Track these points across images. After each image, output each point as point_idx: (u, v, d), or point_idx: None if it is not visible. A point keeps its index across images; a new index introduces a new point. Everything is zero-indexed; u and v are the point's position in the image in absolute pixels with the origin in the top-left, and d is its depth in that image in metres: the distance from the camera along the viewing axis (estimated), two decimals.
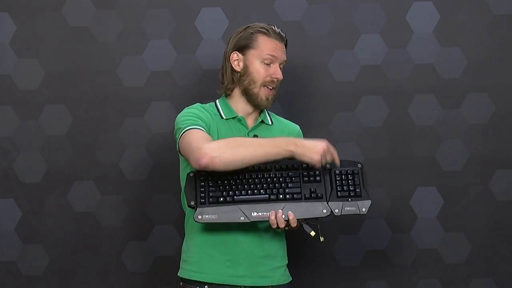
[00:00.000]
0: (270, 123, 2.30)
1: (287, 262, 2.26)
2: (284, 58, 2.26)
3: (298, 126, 2.36)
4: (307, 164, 2.11)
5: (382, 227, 2.68)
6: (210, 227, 2.17)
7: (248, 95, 2.25)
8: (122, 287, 2.66)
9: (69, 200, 2.66)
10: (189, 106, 2.25)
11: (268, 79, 2.23)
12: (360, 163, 2.15)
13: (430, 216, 2.69)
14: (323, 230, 2.12)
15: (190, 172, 2.12)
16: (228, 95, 2.29)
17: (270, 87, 2.24)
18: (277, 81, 2.24)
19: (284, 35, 2.27)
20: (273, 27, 2.26)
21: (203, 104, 2.29)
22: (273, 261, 2.20)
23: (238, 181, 2.10)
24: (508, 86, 2.71)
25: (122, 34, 2.69)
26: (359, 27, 2.70)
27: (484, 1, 2.71)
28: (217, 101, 2.30)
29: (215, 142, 2.08)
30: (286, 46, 2.28)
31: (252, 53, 2.24)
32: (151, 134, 2.67)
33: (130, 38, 2.68)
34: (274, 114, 2.37)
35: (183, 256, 2.24)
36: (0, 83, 2.67)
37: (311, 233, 2.09)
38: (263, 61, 2.23)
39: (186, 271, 2.21)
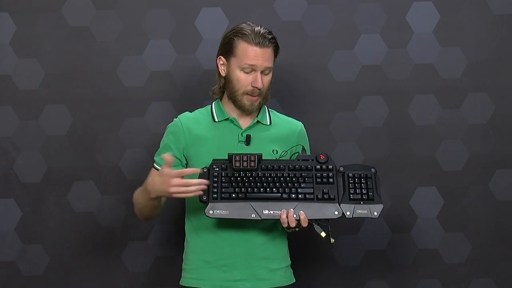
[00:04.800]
0: (268, 123, 2.26)
1: (290, 263, 2.26)
2: (267, 64, 2.16)
3: (301, 123, 2.32)
4: (321, 166, 2.12)
5: (382, 227, 2.68)
6: (205, 230, 2.17)
7: (233, 101, 2.21)
8: (122, 287, 2.66)
9: (69, 200, 2.66)
10: (171, 125, 2.25)
11: (249, 88, 2.16)
12: (374, 168, 2.15)
13: (430, 216, 2.68)
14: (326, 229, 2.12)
15: (204, 167, 2.12)
16: (221, 97, 2.27)
17: (252, 95, 2.17)
18: (261, 89, 2.16)
19: (269, 38, 2.15)
20: (256, 29, 2.15)
21: (197, 111, 2.28)
22: (271, 263, 2.19)
23: (251, 178, 2.10)
24: (508, 86, 2.71)
25: (122, 34, 2.68)
26: (359, 27, 2.70)
27: (484, 1, 2.71)
28: (213, 103, 2.28)
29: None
30: (276, 47, 2.19)
31: (232, 60, 2.17)
32: (151, 134, 2.67)
33: (130, 38, 2.68)
34: (276, 112, 2.33)
35: (183, 264, 2.24)
36: (0, 83, 2.67)
37: (321, 234, 2.08)
38: (243, 70, 2.15)
39: (186, 279, 2.21)
